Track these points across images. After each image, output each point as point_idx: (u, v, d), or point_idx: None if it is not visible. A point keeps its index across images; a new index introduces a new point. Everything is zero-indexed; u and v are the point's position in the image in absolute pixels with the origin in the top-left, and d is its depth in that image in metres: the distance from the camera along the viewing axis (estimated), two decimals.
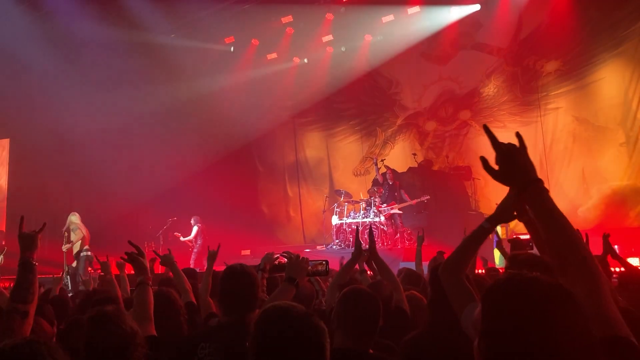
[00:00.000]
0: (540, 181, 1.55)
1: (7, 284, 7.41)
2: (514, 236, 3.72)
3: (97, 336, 2.17)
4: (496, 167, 1.60)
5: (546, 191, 1.54)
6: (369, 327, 2.46)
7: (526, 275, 1.26)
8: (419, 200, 11.98)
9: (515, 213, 2.26)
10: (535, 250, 2.99)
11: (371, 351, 2.46)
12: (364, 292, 2.56)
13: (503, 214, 2.22)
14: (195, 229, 12.98)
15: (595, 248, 1.41)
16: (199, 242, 12.88)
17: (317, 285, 4.16)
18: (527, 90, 12.92)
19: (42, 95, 13.42)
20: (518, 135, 1.67)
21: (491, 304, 1.27)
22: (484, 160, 1.62)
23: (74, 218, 10.74)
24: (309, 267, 3.00)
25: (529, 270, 2.21)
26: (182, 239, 12.95)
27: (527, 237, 3.65)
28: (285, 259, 3.66)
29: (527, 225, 2.52)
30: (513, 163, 1.60)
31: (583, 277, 1.46)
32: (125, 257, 3.04)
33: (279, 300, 2.51)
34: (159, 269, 8.09)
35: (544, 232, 1.53)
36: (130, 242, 3.08)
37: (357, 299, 2.49)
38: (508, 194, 2.21)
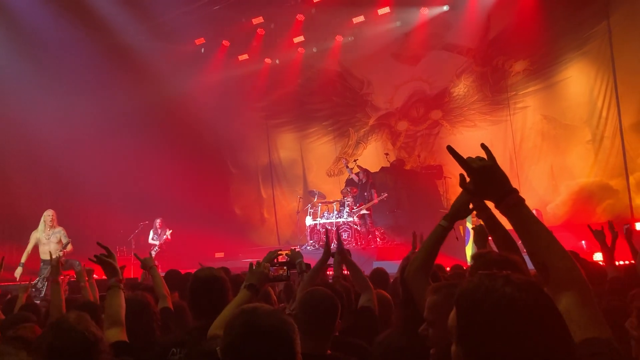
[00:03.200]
0: (515, 191, 1.57)
1: None
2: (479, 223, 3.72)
3: (58, 343, 2.14)
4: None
5: (522, 201, 1.56)
6: (326, 328, 2.48)
7: (498, 276, 1.22)
8: (379, 198, 12.00)
9: (471, 208, 2.29)
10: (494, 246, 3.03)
11: (329, 352, 2.48)
12: (318, 292, 2.57)
13: (459, 211, 2.25)
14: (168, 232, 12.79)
15: (565, 243, 1.41)
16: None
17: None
18: (496, 90, 13.10)
19: (7, 97, 13.10)
20: (484, 147, 1.68)
21: (465, 308, 1.23)
22: (462, 178, 1.66)
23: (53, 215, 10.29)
24: (270, 273, 2.99)
25: (498, 269, 2.25)
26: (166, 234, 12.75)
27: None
28: (287, 257, 3.64)
29: (486, 221, 2.55)
30: (487, 179, 1.61)
31: (566, 284, 1.45)
32: (94, 259, 2.99)
33: (237, 308, 2.50)
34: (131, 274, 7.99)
35: (523, 242, 1.54)
36: (99, 244, 3.03)
37: (312, 300, 2.51)
38: (461, 193, 2.24)
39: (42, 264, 9.73)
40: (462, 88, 13.57)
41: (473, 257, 2.80)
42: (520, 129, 12.69)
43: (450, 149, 1.65)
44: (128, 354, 2.47)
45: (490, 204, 1.97)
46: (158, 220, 12.75)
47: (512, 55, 12.89)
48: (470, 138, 12.65)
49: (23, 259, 9.98)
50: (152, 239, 12.67)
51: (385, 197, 11.98)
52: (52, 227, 9.96)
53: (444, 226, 2.31)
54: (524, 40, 12.53)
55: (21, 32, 12.28)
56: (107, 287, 2.83)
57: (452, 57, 13.70)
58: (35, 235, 10.03)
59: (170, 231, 12.70)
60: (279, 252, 3.68)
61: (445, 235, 2.33)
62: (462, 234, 9.43)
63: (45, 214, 10.04)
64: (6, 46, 12.33)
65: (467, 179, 1.66)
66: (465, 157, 1.61)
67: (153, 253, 12.35)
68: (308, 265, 3.71)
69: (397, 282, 3.57)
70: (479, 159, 1.62)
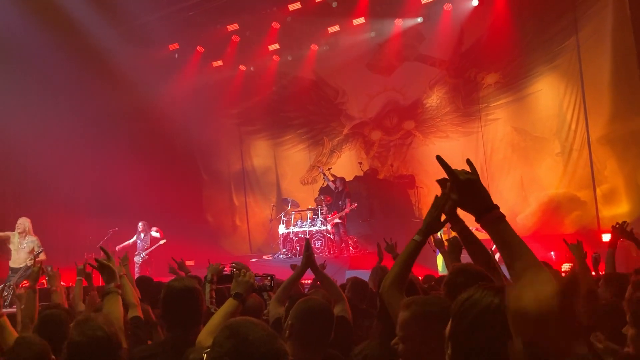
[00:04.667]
0: (496, 207, 1.59)
1: None
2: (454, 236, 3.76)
3: (81, 339, 2.13)
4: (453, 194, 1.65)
5: (503, 217, 1.58)
6: (323, 339, 2.47)
7: (491, 288, 1.36)
8: (350, 207, 12.03)
9: (444, 220, 2.31)
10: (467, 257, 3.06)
11: None
12: (320, 304, 2.57)
13: (432, 225, 2.27)
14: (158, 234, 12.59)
15: (535, 254, 1.45)
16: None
17: (267, 296, 4.13)
18: (468, 102, 13.29)
19: None
20: (469, 162, 1.72)
21: (463, 320, 1.35)
22: (442, 183, 1.73)
23: (27, 224, 9.99)
24: (255, 282, 2.99)
25: (469, 280, 2.28)
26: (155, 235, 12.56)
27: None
28: (233, 269, 3.62)
29: (460, 233, 2.57)
30: (471, 193, 1.64)
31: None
32: (95, 263, 2.93)
33: (225, 317, 2.49)
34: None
35: (503, 257, 1.56)
36: (101, 248, 3.00)
37: (308, 310, 2.50)
38: (433, 204, 2.26)
39: (10, 272, 9.44)
40: (434, 99, 13.72)
41: (450, 270, 2.81)
42: (491, 141, 12.88)
43: (439, 159, 1.68)
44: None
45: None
46: (140, 224, 12.46)
47: (484, 67, 13.10)
48: (442, 149, 12.78)
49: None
50: (139, 247, 12.43)
51: (354, 207, 12.01)
52: (24, 235, 9.67)
53: (418, 241, 2.33)
54: (495, 53, 12.75)
55: None
56: (104, 293, 2.77)
57: (425, 69, 13.86)
58: (8, 235, 9.71)
59: (156, 228, 12.47)
60: (223, 265, 3.69)
61: (419, 250, 2.35)
62: (434, 250, 9.50)
63: (18, 221, 9.75)
64: None
65: (447, 189, 1.70)
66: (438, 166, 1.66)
67: (139, 259, 12.14)
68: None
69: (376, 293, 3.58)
70: (464, 172, 1.64)
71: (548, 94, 12.35)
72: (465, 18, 12.90)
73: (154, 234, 12.56)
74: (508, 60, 12.74)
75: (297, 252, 12.14)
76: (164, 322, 2.69)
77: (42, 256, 9.22)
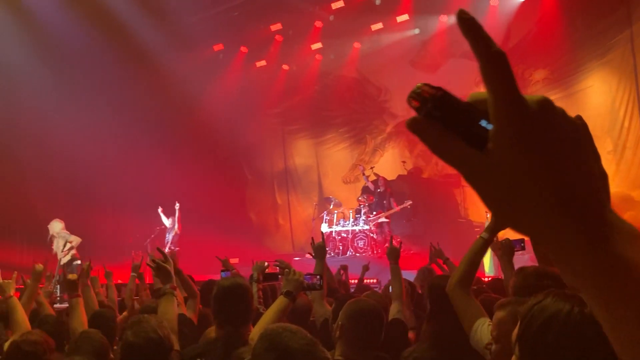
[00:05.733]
0: None
1: None
2: (506, 238, 3.66)
3: (135, 340, 2.18)
4: None
5: None
6: (373, 340, 2.45)
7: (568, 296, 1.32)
8: (402, 206, 11.95)
9: None
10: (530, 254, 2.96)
11: None
12: (370, 305, 2.54)
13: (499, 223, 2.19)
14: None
15: None
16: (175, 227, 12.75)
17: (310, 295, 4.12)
18: None
19: (25, 102, 13.22)
20: None
21: (533, 326, 1.33)
22: None
23: (58, 225, 10.48)
24: (305, 281, 2.99)
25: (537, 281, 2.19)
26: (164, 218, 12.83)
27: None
28: (277, 268, 3.62)
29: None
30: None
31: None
32: (152, 264, 2.98)
33: (276, 314, 2.49)
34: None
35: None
36: (158, 249, 3.04)
37: (363, 312, 2.48)
38: None
39: (58, 267, 9.87)
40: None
41: (516, 272, 2.73)
42: None
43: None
44: None
45: None
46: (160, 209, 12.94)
47: (532, 63, 12.77)
48: None
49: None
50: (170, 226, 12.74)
51: (409, 204, 11.92)
52: (56, 237, 10.21)
53: (485, 238, 2.27)
54: (544, 49, 12.42)
55: (41, 36, 12.40)
56: (160, 294, 2.80)
57: (471, 65, 13.53)
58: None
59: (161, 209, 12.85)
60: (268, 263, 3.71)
61: (487, 247, 2.30)
62: None
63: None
64: (26, 51, 12.44)
65: None
66: None
67: (172, 247, 12.36)
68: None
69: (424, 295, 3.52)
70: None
71: (599, 90, 11.96)
72: (512, 13, 12.62)
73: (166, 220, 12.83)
74: (557, 55, 12.40)
75: (340, 251, 12.13)
76: (215, 319, 2.70)
77: (71, 243, 9.68)
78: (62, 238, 10.15)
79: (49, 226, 10.47)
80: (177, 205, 12.81)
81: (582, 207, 0.52)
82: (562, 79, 12.39)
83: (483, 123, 0.53)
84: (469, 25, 0.53)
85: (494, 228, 2.32)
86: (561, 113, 0.54)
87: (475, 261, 2.30)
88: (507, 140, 0.51)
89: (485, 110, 0.53)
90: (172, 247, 12.34)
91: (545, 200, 0.52)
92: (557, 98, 12.23)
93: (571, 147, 0.53)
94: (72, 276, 3.45)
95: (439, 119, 0.52)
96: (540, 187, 0.51)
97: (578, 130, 0.55)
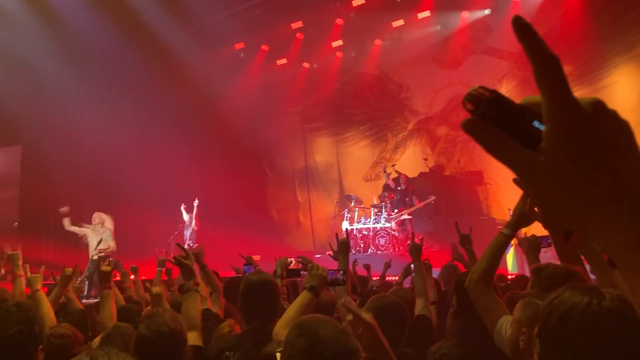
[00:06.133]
0: None
1: None
2: (532, 234, 3.62)
3: (148, 334, 2.22)
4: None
5: None
6: (396, 336, 2.44)
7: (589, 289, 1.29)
8: (425, 202, 11.90)
9: (533, 217, 2.22)
10: (552, 252, 2.92)
11: None
12: (392, 302, 2.54)
13: (522, 219, 2.18)
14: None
15: None
16: (192, 224, 12.87)
17: (333, 291, 4.13)
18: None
19: (53, 100, 13.45)
20: None
21: (554, 321, 1.32)
22: None
23: (109, 222, 10.56)
24: (328, 276, 2.99)
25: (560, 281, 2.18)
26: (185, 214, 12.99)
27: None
28: (300, 264, 3.64)
29: (551, 232, 2.45)
30: None
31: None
32: (173, 260, 3.02)
33: (300, 309, 2.49)
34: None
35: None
36: (178, 245, 3.08)
37: (385, 309, 2.47)
38: (521, 198, 2.16)
39: (89, 263, 9.99)
40: (503, 93, 13.24)
41: (533, 270, 2.71)
42: None
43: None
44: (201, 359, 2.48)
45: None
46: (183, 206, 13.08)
47: None
48: None
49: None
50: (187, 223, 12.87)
51: (433, 200, 11.87)
52: (96, 230, 10.26)
53: (507, 234, 2.25)
54: (568, 44, 12.23)
55: (67, 36, 12.59)
56: (184, 290, 2.84)
57: (493, 62, 13.49)
58: (85, 232, 10.33)
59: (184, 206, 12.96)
60: (292, 260, 3.73)
61: (508, 243, 2.27)
62: None
63: (94, 215, 10.40)
64: (52, 50, 12.65)
65: None
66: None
67: (190, 243, 12.47)
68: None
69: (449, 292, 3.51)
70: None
71: (625, 85, 11.76)
72: (536, 8, 12.46)
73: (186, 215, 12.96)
74: (582, 51, 12.21)
75: (361, 248, 12.12)
76: (243, 315, 2.73)
77: (108, 247, 9.73)
78: (99, 234, 10.23)
79: (103, 216, 10.49)
80: (195, 202, 12.94)
81: (633, 200, 0.54)
82: (587, 75, 12.20)
83: (536, 124, 0.55)
84: (524, 30, 0.55)
85: (515, 224, 2.30)
86: (613, 114, 0.56)
87: (496, 257, 2.28)
88: (561, 140, 0.54)
89: (537, 112, 0.56)
90: (190, 244, 12.45)
91: (599, 196, 0.54)
92: (581, 94, 11.99)
93: (624, 146, 0.55)
94: (105, 267, 3.49)
95: (493, 120, 0.55)
96: (594, 184, 0.54)
97: (629, 130, 0.57)
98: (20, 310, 2.14)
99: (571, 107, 0.54)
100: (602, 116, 0.55)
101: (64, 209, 10.48)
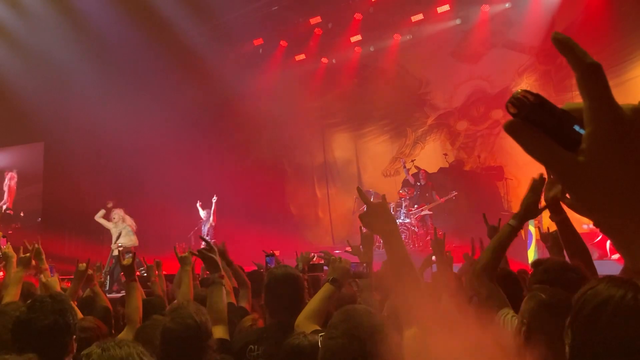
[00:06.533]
0: None
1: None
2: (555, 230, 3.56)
3: (173, 326, 2.25)
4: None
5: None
6: None
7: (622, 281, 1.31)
8: (447, 197, 11.85)
9: (540, 208, 2.21)
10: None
11: None
12: None
13: (530, 210, 2.17)
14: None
15: None
16: (210, 219, 13.00)
17: (355, 285, 4.13)
18: (561, 89, 12.66)
19: (75, 97, 13.65)
20: None
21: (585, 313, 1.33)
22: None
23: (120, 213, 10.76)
24: (351, 269, 2.98)
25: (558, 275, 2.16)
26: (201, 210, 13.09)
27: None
28: (322, 259, 3.64)
29: (559, 225, 2.42)
30: None
31: None
32: (197, 253, 3.04)
33: (322, 301, 2.50)
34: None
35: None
36: (201, 237, 3.11)
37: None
38: (530, 188, 2.16)
39: (109, 258, 10.15)
40: (524, 87, 13.12)
41: (532, 264, 2.68)
42: None
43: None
44: (228, 353, 2.49)
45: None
46: (199, 203, 13.18)
47: None
48: None
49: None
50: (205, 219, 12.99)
51: (454, 195, 11.82)
52: (117, 225, 10.44)
53: (513, 226, 2.24)
54: (591, 37, 12.04)
55: (89, 34, 12.76)
56: (209, 283, 2.86)
57: (514, 55, 13.34)
58: (109, 226, 10.54)
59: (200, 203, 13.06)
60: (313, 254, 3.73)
61: (514, 235, 2.26)
62: (524, 237, 9.17)
63: (112, 212, 10.59)
64: (74, 48, 12.82)
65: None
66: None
67: (208, 239, 12.59)
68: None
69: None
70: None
71: None
72: (557, 1, 12.29)
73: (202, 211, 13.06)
74: (604, 43, 11.99)
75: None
76: (267, 308, 2.75)
77: (128, 241, 9.88)
78: (119, 229, 10.41)
79: (122, 214, 10.70)
80: (214, 198, 13.04)
81: None
82: (610, 68, 11.98)
83: (576, 128, 0.59)
84: (564, 44, 0.60)
85: (522, 216, 2.29)
86: None
87: (501, 248, 2.27)
88: (601, 141, 0.58)
89: (578, 117, 0.60)
90: (208, 240, 12.58)
91: (633, 195, 0.57)
92: None
93: None
94: (127, 261, 3.52)
95: (535, 123, 0.59)
96: (630, 184, 0.57)
97: None
98: (55, 301, 2.19)
99: (612, 111, 0.58)
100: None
101: (109, 205, 10.75)
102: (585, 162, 0.58)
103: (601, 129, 0.57)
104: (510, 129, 0.60)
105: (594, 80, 0.59)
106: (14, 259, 3.55)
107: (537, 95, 0.59)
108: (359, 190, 1.85)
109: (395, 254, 1.73)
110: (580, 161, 0.58)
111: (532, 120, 0.58)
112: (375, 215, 1.79)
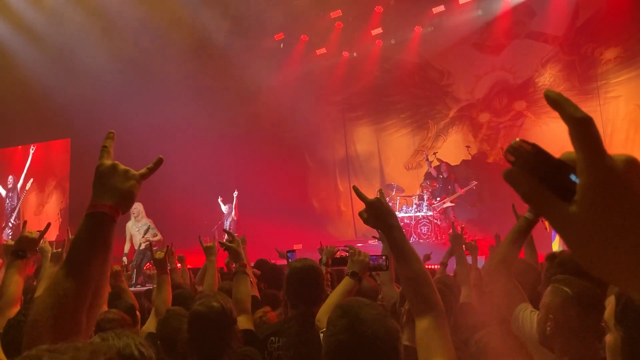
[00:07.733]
0: None
1: None
2: None
3: (202, 309, 2.36)
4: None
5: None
6: None
7: None
8: (467, 187, 11.78)
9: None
10: None
11: None
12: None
13: None
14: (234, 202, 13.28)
15: None
16: (232, 214, 13.16)
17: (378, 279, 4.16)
18: (585, 79, 12.48)
19: (101, 95, 13.87)
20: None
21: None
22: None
23: (140, 207, 10.97)
24: (371, 262, 3.01)
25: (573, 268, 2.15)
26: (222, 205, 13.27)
27: None
28: (347, 253, 3.68)
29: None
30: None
31: None
32: (221, 245, 3.13)
33: (342, 295, 2.53)
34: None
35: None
36: (224, 230, 3.18)
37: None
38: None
39: (135, 253, 10.32)
40: (547, 78, 13.02)
41: (546, 257, 2.66)
42: (612, 120, 12.02)
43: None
44: (253, 343, 2.56)
45: None
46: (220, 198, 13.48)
47: (602, 42, 12.21)
48: (556, 129, 12.10)
49: (125, 250, 10.67)
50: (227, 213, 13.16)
51: (475, 185, 11.76)
52: (138, 219, 10.62)
53: (530, 219, 2.23)
54: (615, 27, 11.84)
55: (114, 32, 12.98)
56: (233, 273, 2.93)
57: (537, 46, 13.16)
58: (128, 226, 10.71)
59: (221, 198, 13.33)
60: (338, 248, 3.76)
61: (531, 228, 2.24)
62: (549, 229, 9.08)
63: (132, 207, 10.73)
64: (101, 46, 13.06)
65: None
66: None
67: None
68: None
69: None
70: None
71: None
72: None
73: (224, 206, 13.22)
74: (630, 32, 11.79)
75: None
76: (288, 300, 2.79)
77: (154, 237, 10.04)
78: (141, 225, 10.60)
79: (140, 207, 10.92)
80: (235, 193, 13.17)
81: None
82: (636, 57, 11.79)
83: (572, 177, 0.61)
84: (555, 100, 0.63)
85: None
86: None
87: (518, 241, 2.25)
88: (592, 192, 0.59)
89: (574, 166, 0.61)
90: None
91: (624, 247, 0.58)
92: (629, 77, 11.76)
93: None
94: (159, 254, 3.61)
95: (532, 172, 0.62)
96: (621, 235, 0.58)
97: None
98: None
99: (603, 162, 0.59)
100: (633, 172, 0.59)
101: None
102: (577, 212, 0.59)
103: (593, 180, 0.59)
104: (508, 177, 0.63)
105: (585, 134, 0.61)
106: (49, 254, 3.66)
107: (533, 145, 0.62)
108: (355, 188, 1.87)
109: (399, 247, 1.74)
110: (572, 211, 0.59)
111: (529, 169, 0.61)
112: (374, 211, 1.82)
